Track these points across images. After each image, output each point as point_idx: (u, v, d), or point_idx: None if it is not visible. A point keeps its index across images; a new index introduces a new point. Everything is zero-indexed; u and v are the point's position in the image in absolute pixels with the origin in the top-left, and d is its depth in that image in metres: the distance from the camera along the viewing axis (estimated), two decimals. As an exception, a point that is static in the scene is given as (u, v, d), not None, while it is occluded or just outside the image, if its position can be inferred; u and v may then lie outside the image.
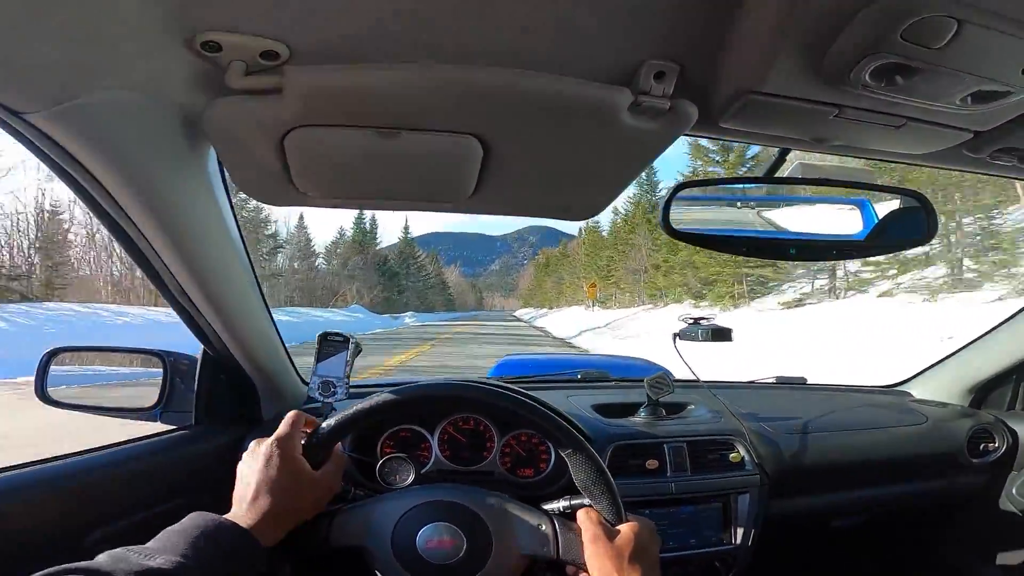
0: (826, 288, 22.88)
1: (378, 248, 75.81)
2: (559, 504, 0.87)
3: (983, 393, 1.68)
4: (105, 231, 0.82)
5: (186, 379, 1.19)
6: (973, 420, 1.57)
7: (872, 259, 15.75)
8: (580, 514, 0.80)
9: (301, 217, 61.47)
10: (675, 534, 1.23)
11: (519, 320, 62.84)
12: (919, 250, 15.60)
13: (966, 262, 16.89)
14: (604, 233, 56.88)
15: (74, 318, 15.59)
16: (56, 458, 0.92)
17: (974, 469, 1.55)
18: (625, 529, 0.77)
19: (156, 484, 1.03)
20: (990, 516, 1.58)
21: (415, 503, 0.83)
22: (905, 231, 0.85)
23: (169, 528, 0.66)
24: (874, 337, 11.55)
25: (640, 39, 0.59)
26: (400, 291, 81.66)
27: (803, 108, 0.64)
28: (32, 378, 1.15)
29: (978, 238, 16.83)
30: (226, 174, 0.86)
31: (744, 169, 26.65)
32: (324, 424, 0.84)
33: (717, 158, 29.61)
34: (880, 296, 18.53)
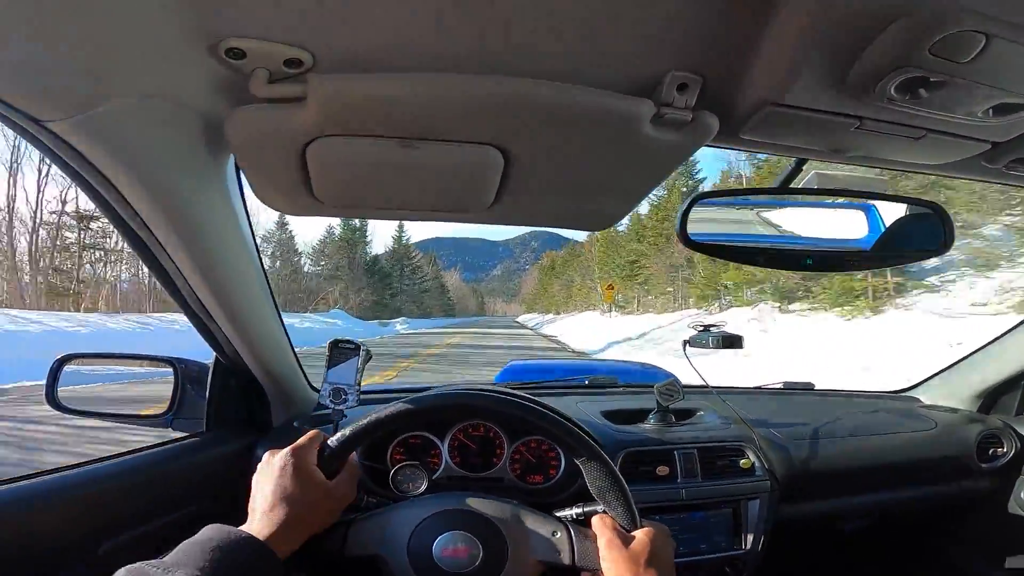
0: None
1: (368, 244, 67.46)
2: (572, 511, 0.87)
3: (991, 399, 1.68)
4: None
5: (197, 386, 1.20)
6: (982, 425, 1.57)
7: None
8: (595, 520, 0.80)
9: (282, 214, 57.48)
10: (686, 540, 1.23)
11: (523, 327, 56.79)
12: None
13: None
14: (622, 229, 49.32)
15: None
16: (68, 467, 0.92)
17: (983, 474, 1.55)
18: (640, 535, 0.78)
19: (169, 491, 1.03)
20: (999, 520, 1.58)
21: (430, 512, 0.83)
22: (921, 241, 0.85)
23: (187, 541, 0.66)
24: None
25: (664, 51, 0.59)
26: (393, 294, 74.20)
27: (824, 120, 0.65)
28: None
29: None
30: (243, 181, 0.86)
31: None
32: (339, 434, 0.84)
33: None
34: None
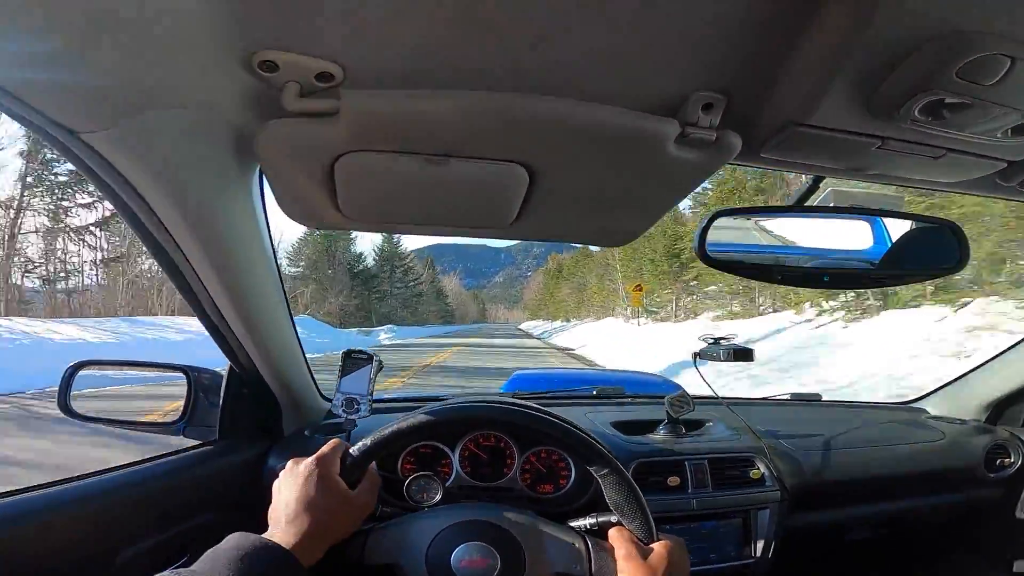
0: None
1: (352, 242, 58.10)
2: (586, 521, 0.87)
3: (998, 410, 1.69)
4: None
5: (209, 394, 1.20)
6: (990, 436, 1.58)
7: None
8: (612, 532, 0.81)
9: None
10: (696, 549, 1.23)
11: (528, 336, 51.34)
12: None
13: None
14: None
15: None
16: (83, 476, 0.93)
17: (991, 484, 1.56)
18: (658, 547, 0.78)
19: (183, 499, 1.04)
20: (1007, 528, 1.59)
21: (449, 522, 0.83)
22: (937, 259, 0.85)
23: (212, 549, 0.66)
24: None
25: (689, 71, 0.59)
26: (380, 298, 65.15)
27: (847, 140, 0.65)
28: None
29: None
30: (266, 193, 0.86)
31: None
32: (360, 443, 0.84)
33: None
34: None
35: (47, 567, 0.80)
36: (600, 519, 0.86)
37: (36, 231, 24.92)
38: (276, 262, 1.01)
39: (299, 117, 0.63)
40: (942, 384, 1.81)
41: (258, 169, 0.81)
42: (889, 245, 0.86)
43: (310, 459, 0.79)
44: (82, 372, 1.19)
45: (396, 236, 71.54)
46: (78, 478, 0.92)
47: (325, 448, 0.81)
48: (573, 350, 25.18)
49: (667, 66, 0.58)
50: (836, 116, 0.61)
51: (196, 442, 1.17)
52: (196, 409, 1.19)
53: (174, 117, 0.61)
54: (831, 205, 0.81)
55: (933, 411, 1.77)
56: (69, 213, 25.71)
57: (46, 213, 25.28)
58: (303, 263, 52.00)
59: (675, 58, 0.57)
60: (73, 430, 5.12)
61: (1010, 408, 1.68)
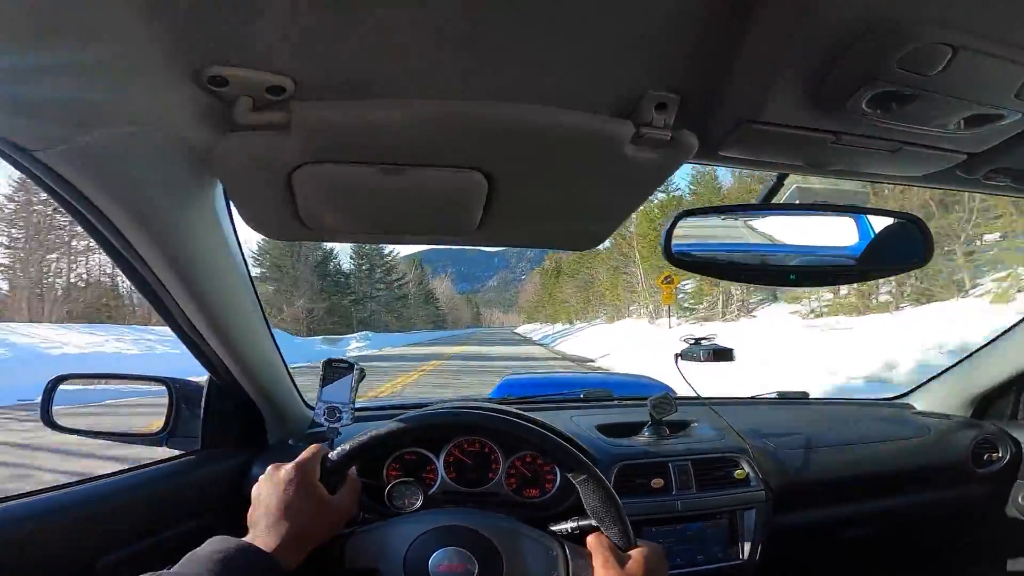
0: None
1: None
2: (567, 525, 0.87)
3: (984, 404, 1.69)
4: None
5: (191, 405, 1.20)
6: (976, 431, 1.58)
7: None
8: (591, 539, 0.81)
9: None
10: (682, 551, 1.24)
11: (528, 341, 45.45)
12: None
13: None
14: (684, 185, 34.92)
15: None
16: (65, 485, 0.93)
17: (979, 479, 1.56)
18: (635, 554, 0.78)
19: (166, 508, 1.04)
20: (998, 525, 1.59)
21: (427, 528, 0.84)
22: (902, 254, 0.86)
23: (191, 552, 0.67)
24: None
25: (641, 71, 0.59)
26: (355, 301, 56.30)
27: (801, 136, 0.65)
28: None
29: None
30: (232, 205, 0.86)
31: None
32: (339, 448, 0.85)
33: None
34: None
35: (25, 571, 0.80)
36: (581, 523, 0.86)
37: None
38: (248, 273, 1.01)
39: (253, 130, 0.62)
40: (928, 379, 1.81)
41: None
42: (855, 242, 0.86)
43: (290, 464, 0.80)
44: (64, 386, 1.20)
45: (390, 250, 69.62)
46: (57, 488, 0.92)
47: (305, 453, 0.82)
48: (592, 360, 19.39)
49: (618, 67, 0.59)
50: (787, 112, 0.61)
51: (179, 452, 1.17)
52: (179, 420, 1.20)
53: (128, 134, 0.61)
54: (797, 202, 0.81)
55: (920, 406, 1.77)
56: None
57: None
58: (267, 263, 45.60)
59: (625, 58, 0.57)
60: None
61: (996, 402, 1.68)
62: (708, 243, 0.86)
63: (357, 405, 1.17)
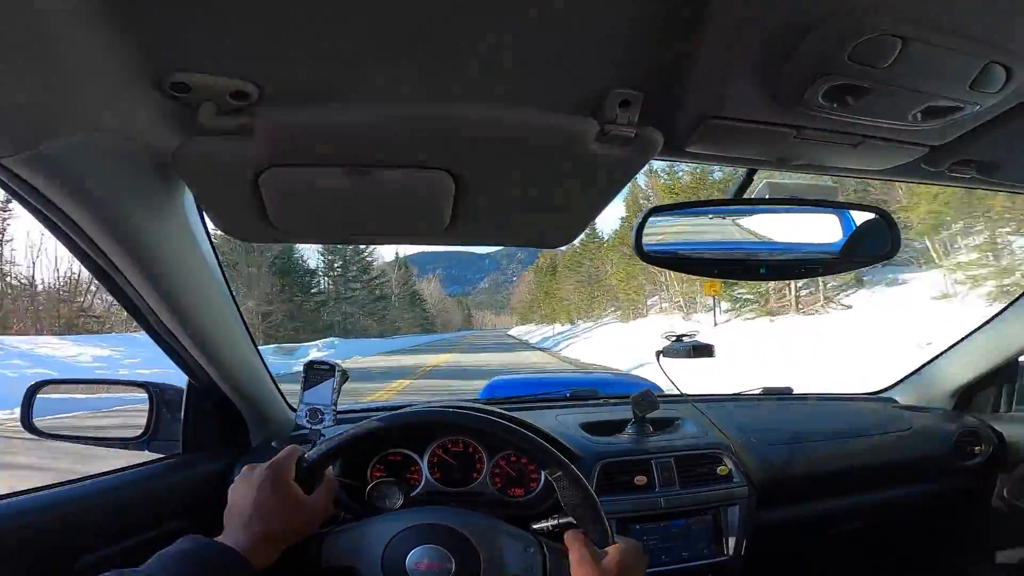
0: None
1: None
2: (547, 523, 0.88)
3: (966, 397, 1.71)
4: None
5: (172, 409, 1.20)
6: (958, 424, 1.59)
7: None
8: (567, 536, 0.81)
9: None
10: (667, 548, 1.24)
11: (524, 344, 42.31)
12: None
13: None
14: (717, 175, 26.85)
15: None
16: (45, 487, 0.93)
17: (962, 472, 1.57)
18: (611, 551, 0.78)
19: (146, 511, 1.04)
20: (985, 517, 1.60)
21: (405, 526, 0.84)
22: (870, 247, 0.87)
23: (162, 551, 0.67)
24: None
25: (602, 69, 0.60)
26: (321, 303, 47.31)
27: (763, 130, 0.66)
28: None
29: None
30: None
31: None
32: (315, 449, 0.85)
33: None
34: None
35: (3, 571, 0.81)
36: (561, 520, 0.87)
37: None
38: (224, 275, 1.01)
39: (217, 135, 0.62)
40: (910, 372, 1.83)
41: None
42: (825, 235, 0.87)
43: (264, 465, 0.80)
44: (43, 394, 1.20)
45: (368, 250, 56.72)
46: (37, 489, 0.92)
47: (280, 454, 0.82)
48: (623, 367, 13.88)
49: (580, 65, 0.59)
50: (748, 107, 0.62)
51: (161, 456, 1.17)
52: (159, 424, 1.20)
53: (93, 140, 0.61)
54: (767, 197, 0.82)
55: (902, 400, 1.78)
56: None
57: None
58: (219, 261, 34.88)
59: (586, 56, 0.58)
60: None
61: (979, 394, 1.70)
62: (679, 240, 0.87)
63: (340, 408, 1.18)
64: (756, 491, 1.33)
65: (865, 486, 1.52)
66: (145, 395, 1.21)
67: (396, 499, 1.01)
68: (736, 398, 1.81)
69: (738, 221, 0.87)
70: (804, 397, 1.83)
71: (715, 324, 17.99)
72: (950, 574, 1.72)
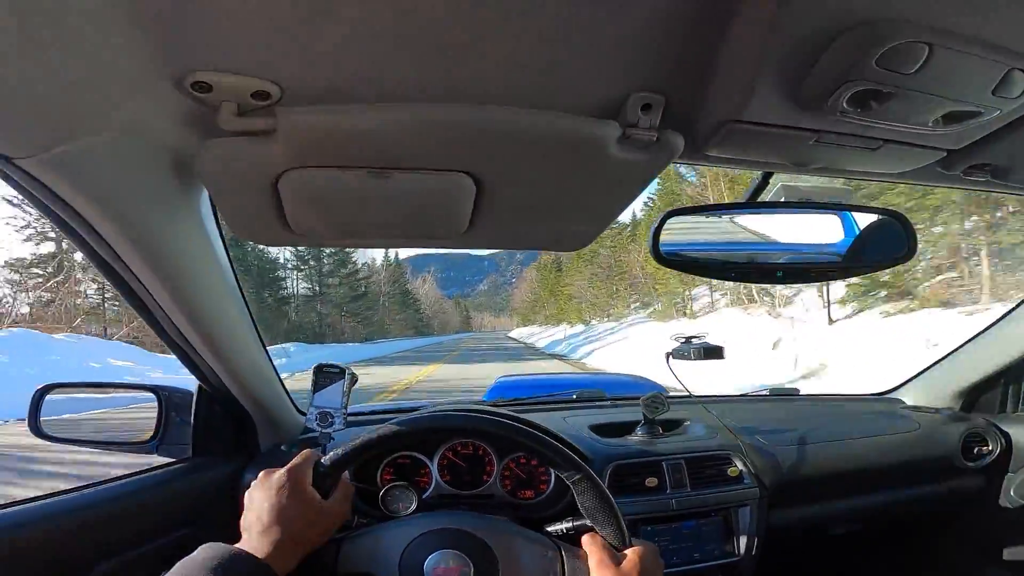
0: None
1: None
2: (562, 526, 0.88)
3: (973, 397, 1.71)
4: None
5: (181, 412, 1.20)
6: (965, 425, 1.59)
7: None
8: (585, 539, 0.81)
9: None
10: (678, 549, 1.24)
11: (531, 348, 36.53)
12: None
13: None
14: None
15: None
16: (58, 493, 0.93)
17: (970, 472, 1.57)
18: (630, 554, 0.78)
19: (158, 516, 1.04)
20: (991, 517, 1.60)
21: (422, 531, 0.83)
22: (887, 250, 0.87)
23: (184, 559, 0.66)
24: None
25: (625, 73, 0.60)
26: (281, 302, 39.73)
27: (784, 135, 0.66)
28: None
29: None
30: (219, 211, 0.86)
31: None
32: (332, 453, 0.85)
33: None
34: None
35: None
36: (576, 523, 0.86)
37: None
38: (237, 279, 1.01)
39: (237, 136, 0.62)
40: (917, 373, 1.83)
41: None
42: (841, 238, 0.87)
43: (281, 470, 0.79)
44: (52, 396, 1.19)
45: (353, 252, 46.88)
46: (50, 496, 0.92)
47: (297, 459, 0.82)
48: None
49: (603, 69, 0.59)
50: (769, 111, 0.62)
51: (170, 460, 1.17)
52: (168, 428, 1.19)
53: (111, 140, 0.61)
54: (782, 200, 0.82)
55: (909, 400, 1.78)
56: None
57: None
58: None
59: (610, 60, 0.58)
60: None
61: (986, 394, 1.70)
62: (696, 242, 0.87)
63: (350, 410, 1.18)
64: (767, 492, 1.33)
65: (873, 487, 1.52)
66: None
67: (409, 503, 1.01)
68: (744, 399, 1.81)
69: (754, 224, 0.87)
70: (810, 398, 1.83)
71: (830, 321, 12.65)
72: (958, 574, 1.71)
